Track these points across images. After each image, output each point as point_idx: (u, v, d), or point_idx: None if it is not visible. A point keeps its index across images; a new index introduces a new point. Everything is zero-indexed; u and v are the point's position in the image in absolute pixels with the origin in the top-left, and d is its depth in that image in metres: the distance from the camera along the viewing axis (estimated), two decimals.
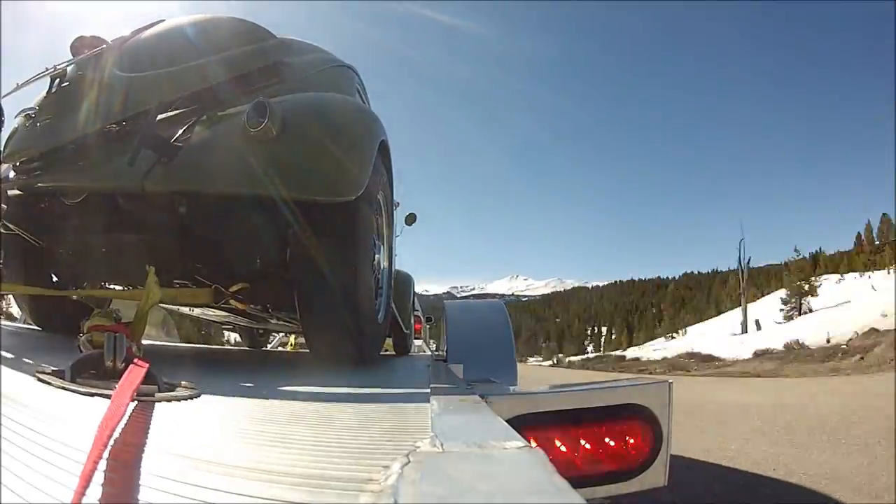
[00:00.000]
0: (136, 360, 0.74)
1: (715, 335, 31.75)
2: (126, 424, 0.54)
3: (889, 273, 31.70)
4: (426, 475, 0.43)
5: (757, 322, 30.93)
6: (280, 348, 5.57)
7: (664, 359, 22.12)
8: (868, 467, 3.19)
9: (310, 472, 0.47)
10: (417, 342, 5.31)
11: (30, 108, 1.66)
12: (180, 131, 1.45)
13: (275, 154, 1.38)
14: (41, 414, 0.57)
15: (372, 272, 1.75)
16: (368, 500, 0.39)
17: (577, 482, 1.01)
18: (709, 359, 19.02)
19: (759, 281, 49.84)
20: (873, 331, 14.33)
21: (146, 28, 1.83)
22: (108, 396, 0.57)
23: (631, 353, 33.12)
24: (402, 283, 3.87)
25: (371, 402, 1.03)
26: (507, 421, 0.77)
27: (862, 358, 11.77)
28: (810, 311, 28.51)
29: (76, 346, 0.88)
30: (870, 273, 34.46)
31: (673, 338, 39.08)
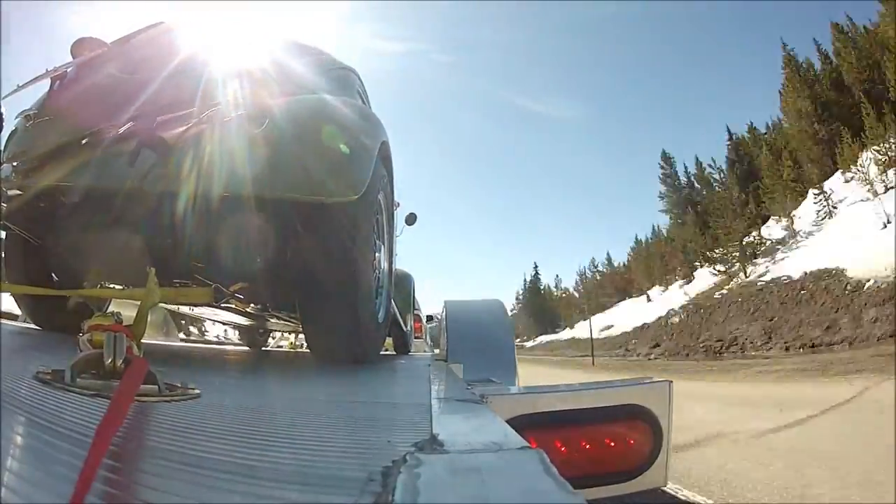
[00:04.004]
0: (135, 361, 0.74)
1: None
2: (126, 425, 0.54)
3: None
4: (426, 475, 0.43)
5: None
6: (280, 348, 5.57)
7: None
8: None
9: (310, 472, 0.47)
10: (417, 342, 5.31)
11: (30, 110, 1.66)
12: (181, 132, 1.45)
13: (276, 154, 1.38)
14: (41, 414, 0.57)
15: (372, 272, 1.75)
16: (368, 500, 0.39)
17: (578, 482, 1.01)
18: None
19: None
20: None
21: (146, 30, 1.83)
22: (108, 397, 0.57)
23: None
24: (403, 282, 3.87)
25: (371, 402, 1.03)
26: (507, 421, 0.77)
27: None
28: None
29: (76, 345, 0.88)
30: None
31: None
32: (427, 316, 6.03)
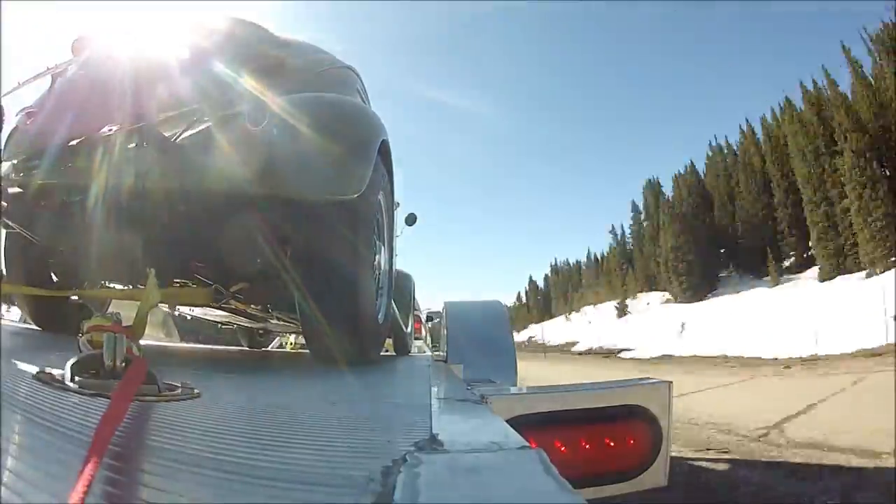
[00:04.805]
0: (135, 361, 0.74)
1: None
2: (126, 424, 0.54)
3: None
4: (426, 475, 0.43)
5: None
6: (281, 348, 5.56)
7: None
8: None
9: (309, 472, 0.47)
10: (417, 342, 5.30)
11: (31, 107, 1.66)
12: (181, 130, 1.45)
13: (275, 153, 1.38)
14: (41, 414, 0.57)
15: (373, 272, 1.75)
16: (368, 500, 0.39)
17: (578, 482, 1.01)
18: None
19: None
20: None
21: (147, 27, 1.83)
22: (107, 397, 0.57)
23: None
24: (403, 282, 3.86)
25: (371, 403, 1.03)
26: (507, 421, 0.77)
27: None
28: None
29: (76, 346, 0.88)
30: None
31: None
32: (427, 315, 6.02)
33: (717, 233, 36.73)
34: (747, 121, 36.86)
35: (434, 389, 1.10)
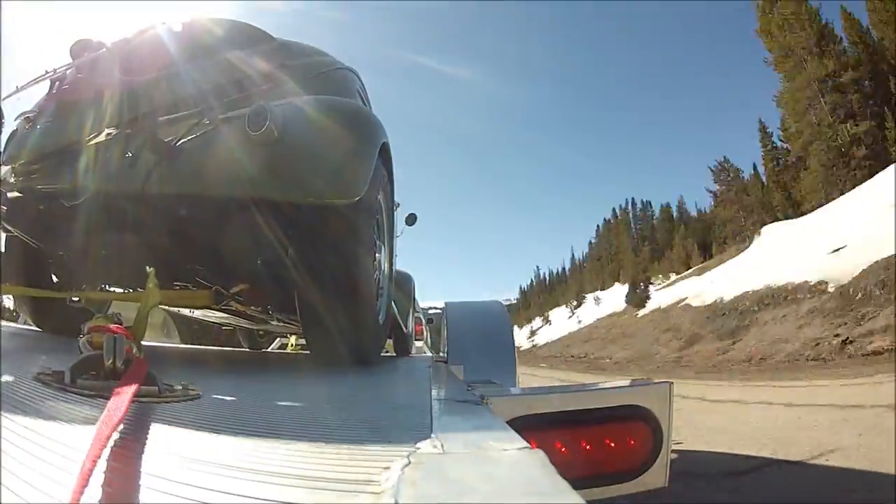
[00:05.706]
0: (136, 362, 0.74)
1: None
2: (126, 425, 0.54)
3: None
4: (426, 476, 0.43)
5: None
6: (282, 349, 5.56)
7: None
8: None
9: (310, 472, 0.47)
10: (418, 343, 5.29)
11: (30, 111, 1.66)
12: (181, 134, 1.46)
13: (276, 157, 1.38)
14: (41, 415, 0.57)
15: (373, 273, 1.75)
16: (368, 500, 0.39)
17: (578, 483, 1.01)
18: None
19: None
20: None
21: (147, 31, 1.84)
22: (107, 398, 0.57)
23: None
24: (403, 283, 3.86)
25: (371, 403, 1.03)
26: (507, 422, 0.77)
27: None
28: None
29: (76, 347, 0.88)
30: None
31: None
32: (427, 317, 5.97)
33: None
34: None
35: (434, 390, 1.10)
